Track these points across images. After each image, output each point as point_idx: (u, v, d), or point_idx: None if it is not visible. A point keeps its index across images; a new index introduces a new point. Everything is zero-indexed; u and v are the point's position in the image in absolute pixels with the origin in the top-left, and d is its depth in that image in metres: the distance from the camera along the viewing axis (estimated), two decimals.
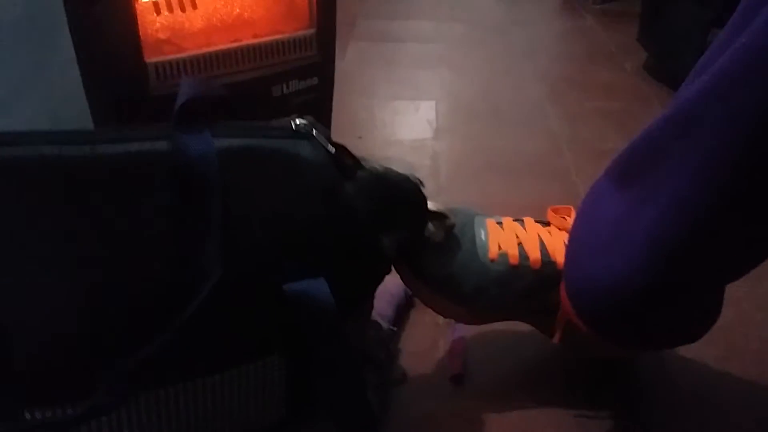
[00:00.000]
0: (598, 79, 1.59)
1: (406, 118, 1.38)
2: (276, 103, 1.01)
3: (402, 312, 0.81)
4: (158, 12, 0.84)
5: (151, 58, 0.83)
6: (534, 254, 0.68)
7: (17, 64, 0.84)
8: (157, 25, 0.85)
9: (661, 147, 0.55)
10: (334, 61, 1.06)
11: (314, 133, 0.54)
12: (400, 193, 0.61)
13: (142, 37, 0.82)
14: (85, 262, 0.47)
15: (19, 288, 0.46)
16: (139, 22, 0.81)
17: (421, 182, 0.64)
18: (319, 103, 1.05)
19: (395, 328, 0.77)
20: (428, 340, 0.79)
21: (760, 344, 0.79)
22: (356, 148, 0.57)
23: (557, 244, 0.68)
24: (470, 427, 0.69)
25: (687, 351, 0.76)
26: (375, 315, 0.74)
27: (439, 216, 0.66)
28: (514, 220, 0.72)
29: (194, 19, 0.87)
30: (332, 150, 0.55)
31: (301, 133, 0.54)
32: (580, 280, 0.63)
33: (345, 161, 0.56)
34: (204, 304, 0.47)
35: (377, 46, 1.78)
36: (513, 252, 0.68)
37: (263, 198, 0.52)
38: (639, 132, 0.58)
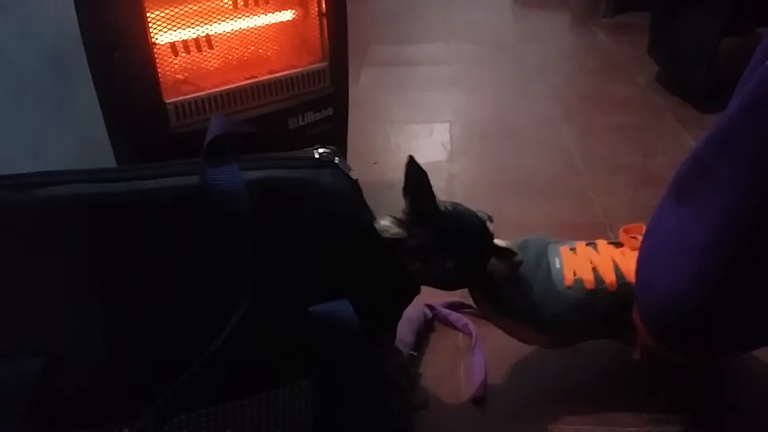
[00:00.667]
0: (611, 93, 1.60)
1: (420, 141, 1.40)
2: (292, 135, 1.03)
3: (422, 337, 0.82)
4: (176, 54, 0.87)
5: (170, 99, 0.86)
6: (609, 277, 0.69)
7: (42, 108, 0.87)
8: (176, 66, 0.88)
9: (707, 163, 0.57)
10: (347, 92, 1.09)
11: (336, 162, 0.56)
12: (464, 226, 0.64)
13: (161, 79, 0.85)
14: (125, 294, 0.50)
15: (65, 320, 0.49)
16: (158, 65, 0.84)
17: (490, 218, 0.67)
18: (335, 133, 1.08)
19: (416, 353, 0.79)
20: (449, 363, 0.80)
21: None
22: (372, 173, 0.60)
23: (630, 264, 0.69)
24: None
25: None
26: (396, 341, 0.76)
27: (506, 252, 0.68)
28: (586, 245, 0.74)
29: (211, 59, 0.90)
30: (354, 177, 0.57)
31: (323, 162, 0.56)
32: (648, 295, 0.65)
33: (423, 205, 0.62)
34: (235, 329, 0.49)
35: (390, 71, 1.80)
36: (588, 277, 0.70)
37: (289, 226, 0.53)
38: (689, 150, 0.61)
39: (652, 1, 1.64)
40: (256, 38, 0.94)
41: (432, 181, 1.24)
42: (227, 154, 0.51)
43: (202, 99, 0.89)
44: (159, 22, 0.83)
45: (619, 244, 0.74)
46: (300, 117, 1.03)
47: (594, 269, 0.70)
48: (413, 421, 0.71)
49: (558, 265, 0.71)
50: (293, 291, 0.53)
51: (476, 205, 1.15)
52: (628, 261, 0.70)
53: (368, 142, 1.38)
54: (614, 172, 1.23)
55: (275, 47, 0.97)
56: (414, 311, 0.83)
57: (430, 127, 1.45)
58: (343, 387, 0.56)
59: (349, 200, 0.55)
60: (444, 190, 1.18)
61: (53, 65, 0.87)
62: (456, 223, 0.64)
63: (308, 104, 1.02)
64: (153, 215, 0.50)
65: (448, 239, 0.62)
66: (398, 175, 1.33)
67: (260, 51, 0.95)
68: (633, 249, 0.71)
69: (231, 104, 0.92)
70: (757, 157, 0.52)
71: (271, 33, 0.96)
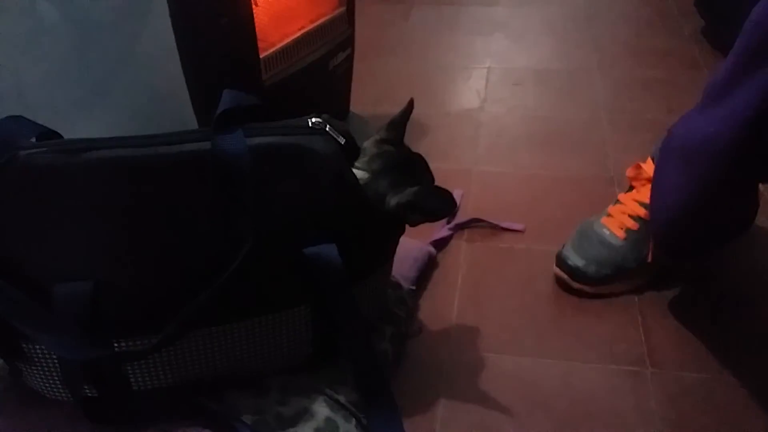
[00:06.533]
0: (653, 44, 1.62)
1: (456, 86, 1.47)
2: (331, 74, 1.17)
3: (424, 274, 0.94)
4: None
5: (261, 54, 0.98)
6: (641, 212, 0.91)
7: (108, 57, 0.97)
8: None
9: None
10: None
11: (327, 129, 0.67)
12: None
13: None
14: (153, 236, 0.63)
15: (108, 254, 0.62)
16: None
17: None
18: (351, 70, 1.23)
19: (414, 288, 0.90)
20: (446, 299, 0.91)
21: None
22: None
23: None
24: (480, 375, 0.80)
25: None
26: (397, 276, 0.88)
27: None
28: (614, 203, 0.95)
29: (260, 16, 0.99)
30: (342, 141, 0.67)
31: (316, 130, 0.66)
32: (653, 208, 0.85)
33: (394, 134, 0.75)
34: (241, 264, 0.62)
35: (440, 10, 1.85)
36: (631, 224, 0.91)
37: (285, 183, 0.65)
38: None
39: None
40: None
41: (460, 128, 1.33)
42: (234, 123, 0.62)
43: (278, 53, 1.01)
44: None
45: (630, 188, 0.95)
46: (335, 58, 1.16)
47: (629, 216, 0.92)
48: (406, 347, 0.84)
49: (608, 232, 0.92)
50: (289, 235, 0.65)
51: (497, 155, 1.24)
52: (642, 195, 0.92)
53: (408, 85, 1.46)
54: (636, 128, 1.28)
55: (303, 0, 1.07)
56: (418, 252, 0.94)
57: (468, 73, 1.52)
58: (333, 313, 0.68)
59: (336, 162, 0.66)
60: (470, 137, 1.27)
61: (119, 18, 0.96)
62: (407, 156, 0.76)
63: (339, 46, 1.15)
64: (174, 173, 0.62)
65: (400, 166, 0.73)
66: (429, 120, 1.44)
67: (293, 4, 1.04)
68: (642, 185, 0.93)
69: (295, 54, 1.04)
70: None
71: None
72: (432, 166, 0.77)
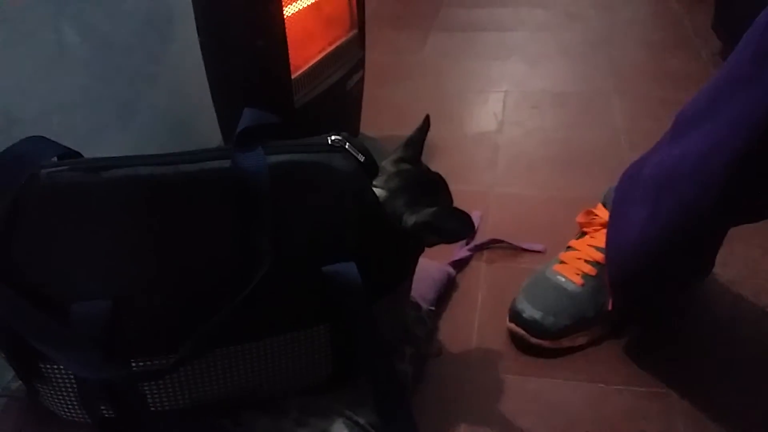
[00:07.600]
0: (671, 67, 1.61)
1: (473, 110, 1.47)
2: (348, 94, 1.18)
3: (443, 295, 0.93)
4: None
5: (293, 75, 0.98)
6: (598, 257, 0.86)
7: (131, 82, 0.99)
8: None
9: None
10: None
11: (347, 146, 0.66)
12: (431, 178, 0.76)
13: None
14: (172, 253, 0.63)
15: (127, 272, 0.62)
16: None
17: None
18: (362, 93, 1.24)
19: (433, 308, 0.89)
20: (466, 319, 0.90)
21: None
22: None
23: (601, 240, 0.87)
24: (501, 397, 0.79)
25: None
26: (416, 297, 0.87)
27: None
28: (566, 250, 0.90)
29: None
30: (362, 159, 0.67)
31: (335, 147, 0.66)
32: (611, 244, 0.82)
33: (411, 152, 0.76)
34: (260, 283, 0.61)
35: (456, 37, 1.86)
36: (588, 268, 0.86)
37: (305, 201, 0.64)
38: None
39: None
40: (304, 17, 1.03)
41: (478, 151, 1.33)
42: (254, 141, 0.62)
43: (306, 74, 1.02)
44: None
45: (583, 234, 0.90)
46: (351, 79, 1.17)
47: (586, 261, 0.86)
48: (426, 367, 0.82)
49: (563, 279, 0.86)
50: (308, 252, 0.64)
51: (515, 176, 1.23)
52: (598, 240, 0.87)
53: (424, 109, 1.46)
54: None
55: (323, 23, 1.08)
56: (438, 272, 0.93)
57: (485, 97, 1.52)
58: (352, 333, 0.67)
59: (356, 179, 0.65)
60: (488, 159, 1.26)
61: (141, 42, 0.97)
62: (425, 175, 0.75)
63: (354, 68, 1.16)
64: (194, 191, 0.62)
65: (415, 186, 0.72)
66: (446, 142, 1.44)
67: (311, 28, 1.05)
68: (596, 230, 0.87)
69: (319, 75, 1.05)
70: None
71: (311, 11, 1.05)
72: (450, 187, 0.77)
